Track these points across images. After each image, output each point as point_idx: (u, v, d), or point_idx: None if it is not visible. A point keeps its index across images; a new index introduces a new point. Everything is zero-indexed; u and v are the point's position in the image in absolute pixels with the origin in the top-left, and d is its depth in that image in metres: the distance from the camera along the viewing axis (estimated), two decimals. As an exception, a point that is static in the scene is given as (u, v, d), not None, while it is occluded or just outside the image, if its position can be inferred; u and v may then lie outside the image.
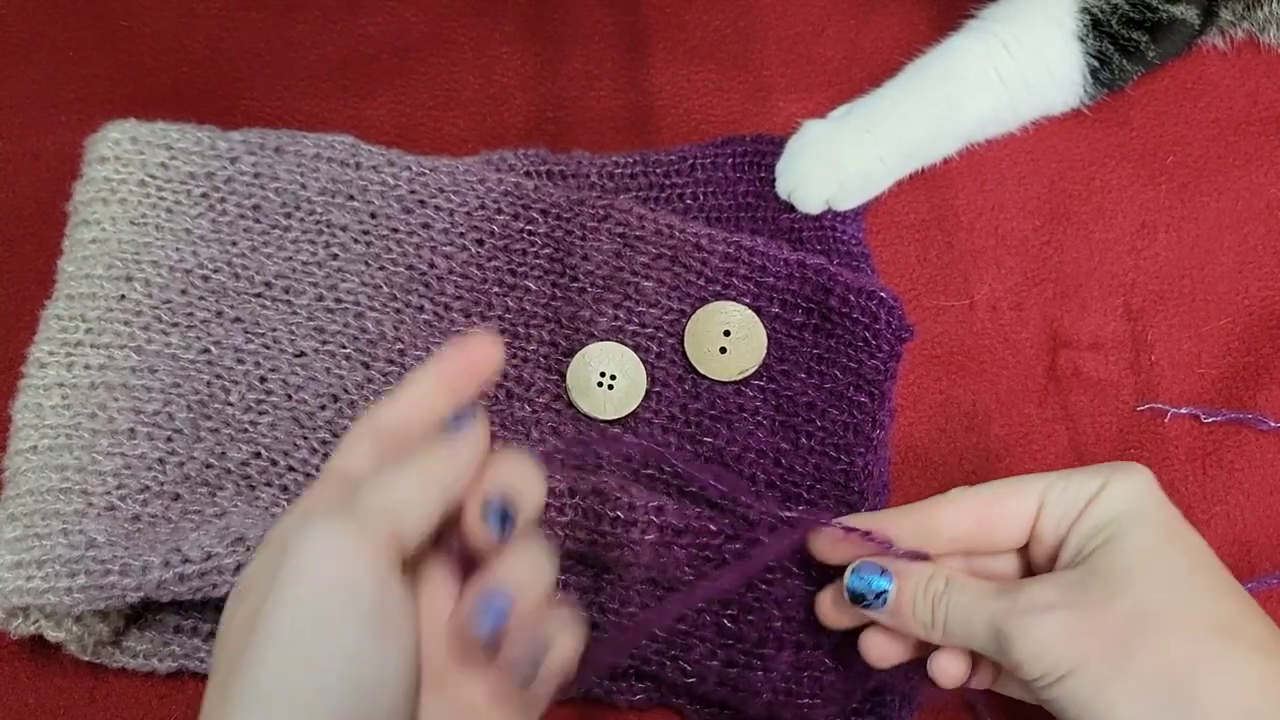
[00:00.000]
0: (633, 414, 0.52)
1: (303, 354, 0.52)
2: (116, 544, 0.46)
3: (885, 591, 0.43)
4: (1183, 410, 0.55)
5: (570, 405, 0.52)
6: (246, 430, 0.50)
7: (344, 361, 0.52)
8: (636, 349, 0.53)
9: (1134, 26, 0.57)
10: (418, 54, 0.64)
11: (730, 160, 0.59)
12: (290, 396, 0.51)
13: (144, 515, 0.48)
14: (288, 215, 0.54)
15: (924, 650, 0.44)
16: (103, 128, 0.55)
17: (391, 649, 0.32)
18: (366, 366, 0.52)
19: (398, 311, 0.53)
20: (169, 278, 0.53)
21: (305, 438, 0.51)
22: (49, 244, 0.55)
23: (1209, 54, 0.62)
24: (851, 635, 0.46)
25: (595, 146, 0.60)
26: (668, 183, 0.59)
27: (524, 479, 0.35)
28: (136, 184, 0.54)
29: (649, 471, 0.51)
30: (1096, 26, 0.57)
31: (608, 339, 0.53)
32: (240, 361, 0.52)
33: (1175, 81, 0.62)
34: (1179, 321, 0.57)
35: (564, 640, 0.35)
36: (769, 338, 0.53)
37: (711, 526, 0.47)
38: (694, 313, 0.53)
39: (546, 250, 0.55)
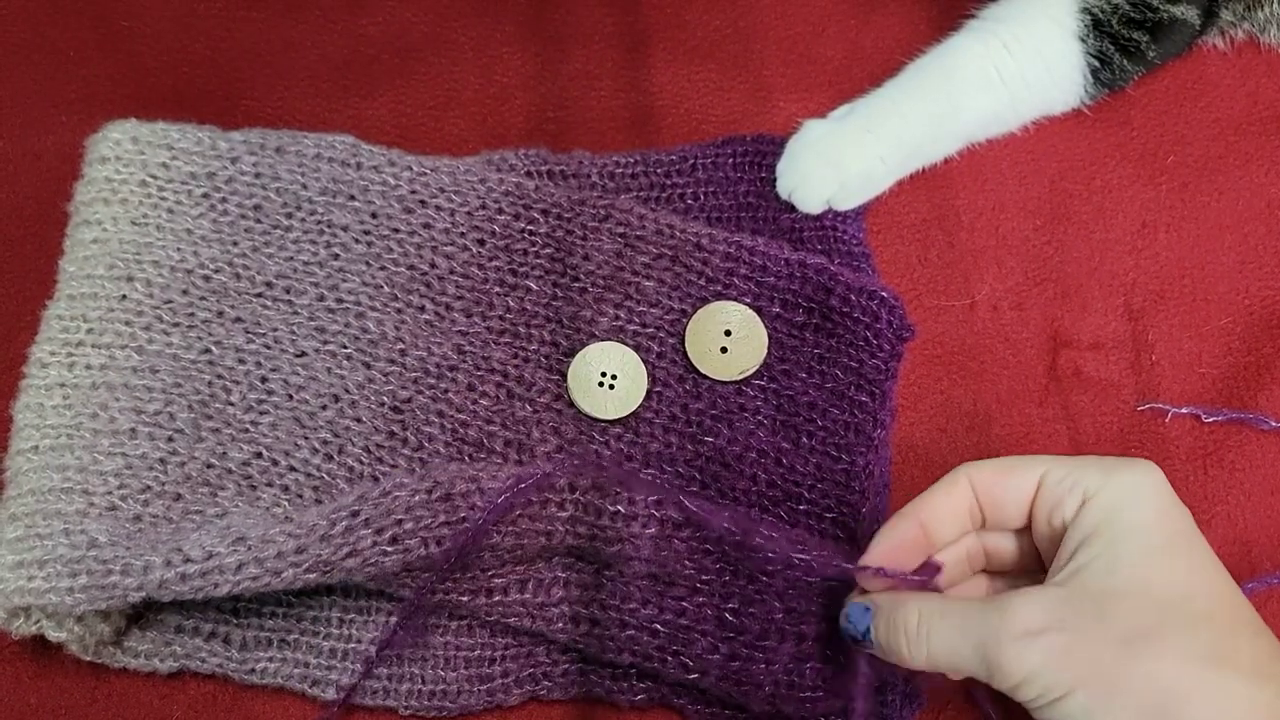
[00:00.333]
0: (634, 414, 0.52)
1: (304, 354, 0.52)
2: (118, 544, 0.46)
3: (869, 629, 0.43)
4: (1183, 410, 0.55)
5: (571, 405, 0.52)
6: (248, 430, 0.51)
7: (345, 362, 0.52)
8: (637, 349, 0.53)
9: (1135, 26, 0.57)
10: (418, 54, 0.64)
11: (731, 160, 0.59)
12: (291, 397, 0.51)
13: (145, 515, 0.48)
14: (289, 215, 0.54)
15: None
16: (103, 128, 0.55)
17: None
18: (368, 366, 0.52)
19: (399, 311, 0.53)
20: (170, 278, 0.53)
21: (306, 438, 0.51)
22: (50, 244, 0.55)
23: (1209, 54, 0.62)
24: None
25: (596, 146, 0.60)
26: (668, 183, 0.59)
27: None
28: (137, 184, 0.54)
29: (649, 471, 0.51)
30: (1097, 26, 0.57)
31: (609, 339, 0.53)
32: (241, 362, 0.52)
33: (1175, 81, 0.62)
34: (1180, 321, 0.57)
35: None
36: (770, 337, 0.53)
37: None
38: (695, 312, 0.53)
39: (547, 250, 0.55)
